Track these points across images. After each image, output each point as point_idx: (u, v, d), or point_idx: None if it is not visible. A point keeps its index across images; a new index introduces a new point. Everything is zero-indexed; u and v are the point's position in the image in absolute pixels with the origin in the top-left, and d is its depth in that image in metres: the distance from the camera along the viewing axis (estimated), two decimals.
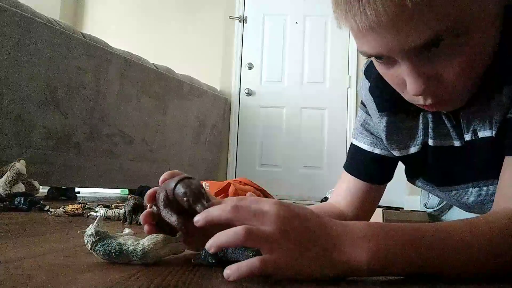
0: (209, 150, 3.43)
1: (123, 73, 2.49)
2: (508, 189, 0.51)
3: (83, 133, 2.24)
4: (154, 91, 2.76)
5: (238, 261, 0.41)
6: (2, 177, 1.57)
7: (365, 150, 0.76)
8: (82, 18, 4.33)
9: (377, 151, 0.74)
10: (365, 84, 0.71)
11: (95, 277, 0.42)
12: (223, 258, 0.48)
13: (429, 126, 0.65)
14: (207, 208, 0.44)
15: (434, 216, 1.47)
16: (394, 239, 0.41)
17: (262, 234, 0.39)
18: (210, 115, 3.42)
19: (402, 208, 1.64)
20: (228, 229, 0.40)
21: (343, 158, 3.89)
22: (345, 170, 0.79)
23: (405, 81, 0.49)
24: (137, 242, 0.49)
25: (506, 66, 0.53)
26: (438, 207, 1.46)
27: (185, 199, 0.45)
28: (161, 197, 0.49)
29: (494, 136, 0.57)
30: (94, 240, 0.48)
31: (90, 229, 0.49)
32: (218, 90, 3.68)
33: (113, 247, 0.48)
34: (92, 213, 1.19)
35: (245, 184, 2.28)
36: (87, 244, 0.49)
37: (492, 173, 0.61)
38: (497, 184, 0.58)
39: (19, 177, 1.58)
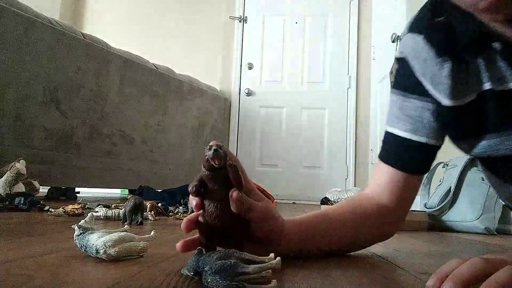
0: None
1: (123, 73, 2.49)
2: None
3: (83, 133, 2.24)
4: (154, 91, 2.76)
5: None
6: (2, 177, 1.57)
7: (401, 137, 0.72)
8: (82, 18, 4.33)
9: (415, 138, 0.71)
10: (415, 38, 0.69)
11: (95, 277, 0.42)
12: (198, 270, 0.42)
13: (485, 70, 0.62)
14: (225, 152, 0.44)
15: (434, 216, 1.47)
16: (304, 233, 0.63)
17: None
18: (210, 115, 3.42)
19: None
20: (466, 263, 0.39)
21: (343, 158, 3.87)
22: (382, 160, 0.74)
23: None
24: (97, 239, 0.50)
25: None
26: (438, 207, 1.46)
27: (206, 155, 0.44)
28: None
29: None
30: (77, 233, 0.53)
31: (79, 223, 0.54)
32: (218, 90, 3.68)
33: (84, 241, 0.51)
34: (92, 213, 1.18)
35: None
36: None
37: None
38: None
39: (19, 177, 1.58)
